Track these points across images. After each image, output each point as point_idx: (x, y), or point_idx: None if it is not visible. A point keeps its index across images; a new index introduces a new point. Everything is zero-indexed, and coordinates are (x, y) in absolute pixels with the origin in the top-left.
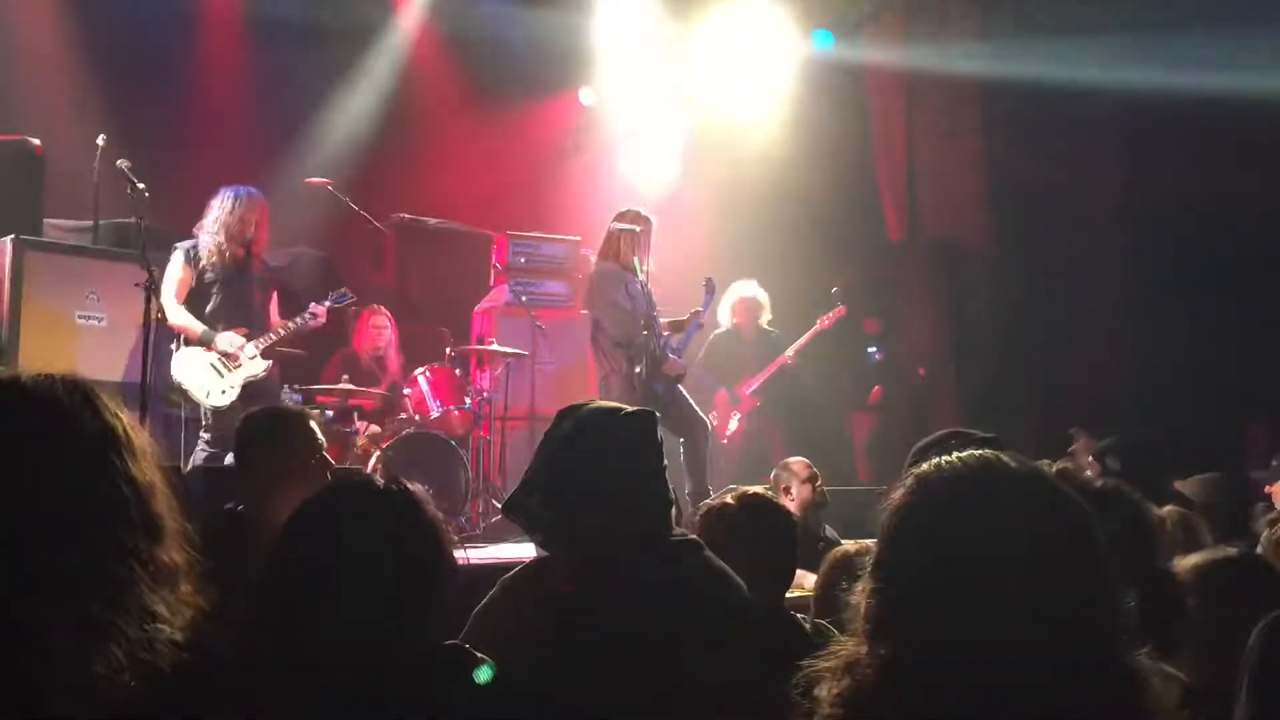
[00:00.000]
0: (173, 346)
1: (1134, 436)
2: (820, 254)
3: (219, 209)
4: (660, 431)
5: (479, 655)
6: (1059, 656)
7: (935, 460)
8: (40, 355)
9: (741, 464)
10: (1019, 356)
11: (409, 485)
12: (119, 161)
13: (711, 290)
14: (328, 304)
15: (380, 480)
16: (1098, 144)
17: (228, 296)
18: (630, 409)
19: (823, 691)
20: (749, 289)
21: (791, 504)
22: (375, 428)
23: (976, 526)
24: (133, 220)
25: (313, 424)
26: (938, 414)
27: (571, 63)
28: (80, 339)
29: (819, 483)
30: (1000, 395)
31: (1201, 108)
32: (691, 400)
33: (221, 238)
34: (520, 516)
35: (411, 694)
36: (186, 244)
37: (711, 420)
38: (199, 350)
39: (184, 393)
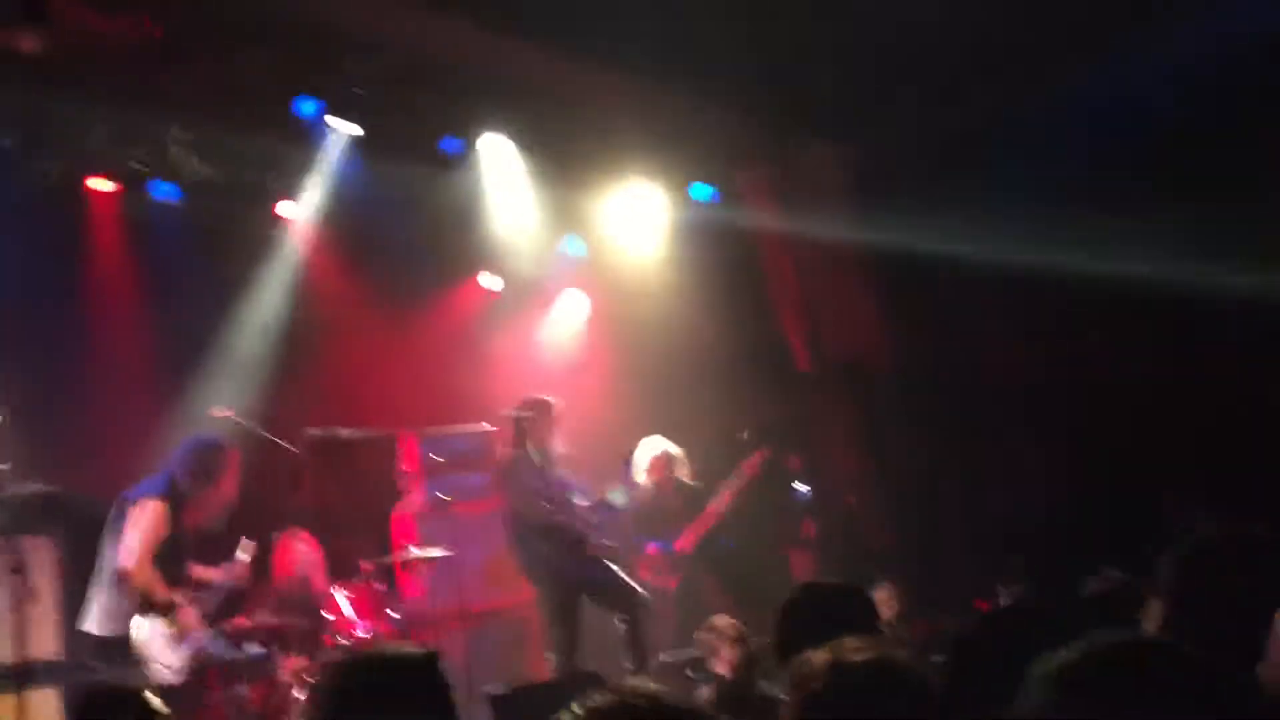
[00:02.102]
0: (123, 602)
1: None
2: (734, 399)
3: (202, 459)
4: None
5: None
6: None
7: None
8: None
9: (688, 626)
10: (941, 472)
11: None
12: None
13: (629, 466)
14: (245, 558)
15: None
16: (981, 301)
17: (179, 554)
18: (411, 652)
19: None
20: (660, 445)
21: (723, 666)
22: (303, 659)
23: None
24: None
25: (147, 699)
26: (873, 540)
27: (469, 250)
28: None
29: (749, 640)
30: (931, 513)
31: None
32: (622, 575)
33: (198, 491)
34: None
35: None
36: (162, 490)
37: (647, 577)
38: (158, 619)
39: (144, 663)
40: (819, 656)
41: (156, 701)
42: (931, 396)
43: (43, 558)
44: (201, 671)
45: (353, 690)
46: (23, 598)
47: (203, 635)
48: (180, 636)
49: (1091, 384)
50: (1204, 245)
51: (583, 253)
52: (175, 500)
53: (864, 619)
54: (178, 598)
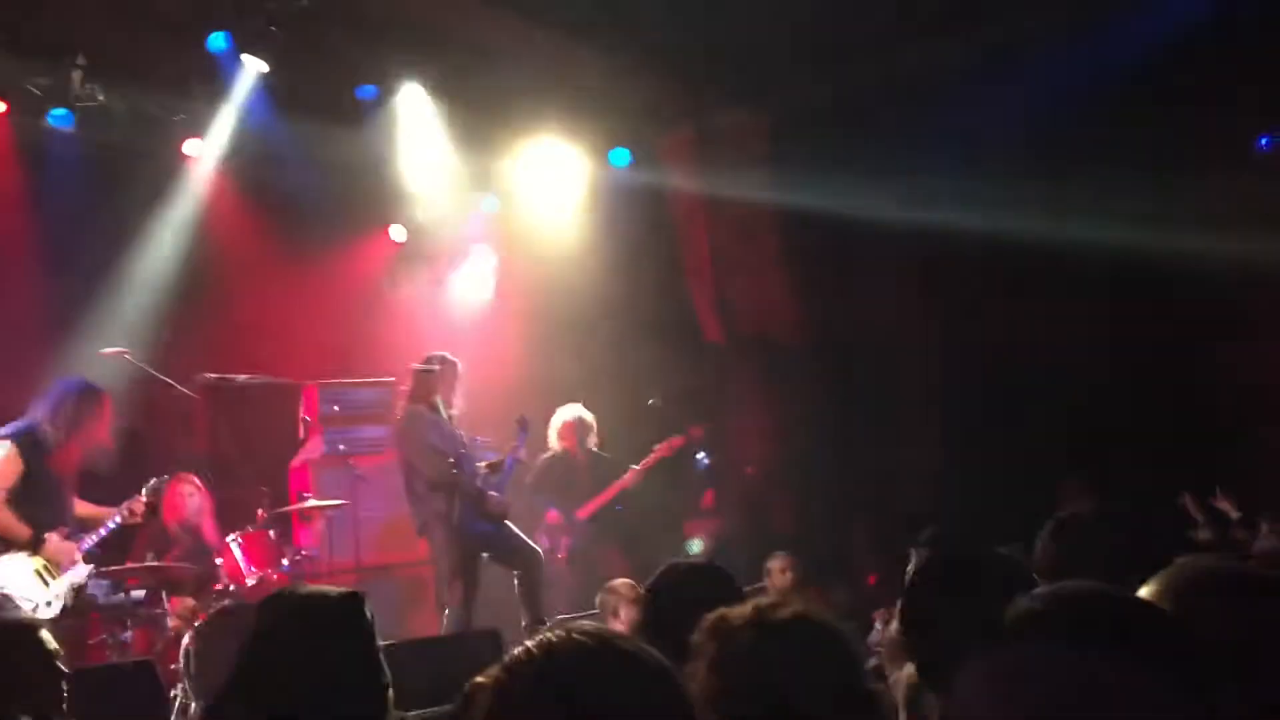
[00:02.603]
0: None
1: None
2: (641, 366)
3: (69, 405)
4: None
5: None
6: None
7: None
8: None
9: (584, 590)
10: (844, 445)
11: None
12: None
13: (525, 428)
14: (143, 499)
15: None
16: (889, 270)
17: (50, 494)
18: (338, 593)
19: None
20: (575, 412)
21: (621, 627)
22: (190, 602)
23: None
24: None
25: (42, 636)
26: (771, 511)
27: (379, 201)
28: None
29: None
30: (830, 485)
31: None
32: (519, 532)
33: (64, 436)
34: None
35: None
36: (14, 432)
37: (542, 542)
38: (22, 556)
39: (8, 601)
40: (738, 613)
41: (50, 639)
42: (840, 370)
43: None
44: (83, 613)
45: (280, 626)
46: None
47: (80, 570)
48: (50, 572)
49: (1002, 355)
50: (1122, 208)
51: (495, 209)
52: (31, 444)
53: (728, 597)
54: (51, 535)
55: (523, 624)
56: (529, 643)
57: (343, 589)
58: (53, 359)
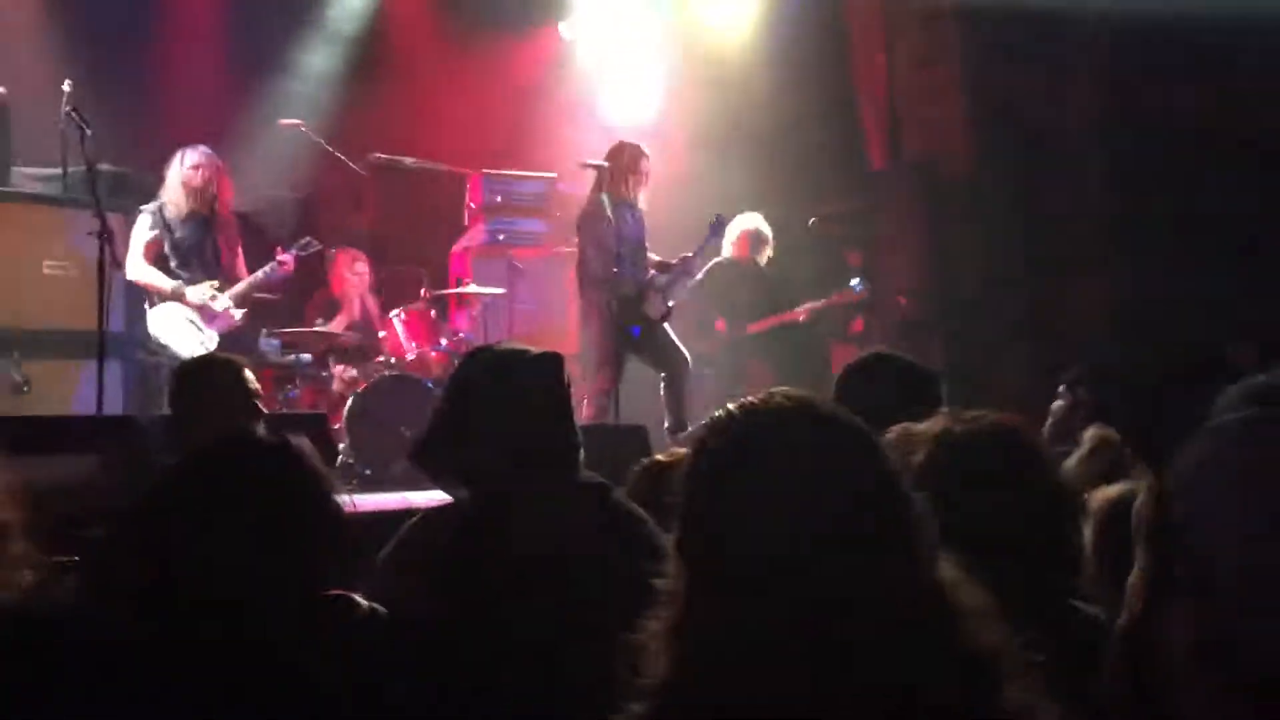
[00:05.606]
0: (146, 305)
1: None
2: (803, 185)
3: (176, 171)
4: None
5: (366, 604)
6: (864, 589)
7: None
8: (8, 305)
9: (728, 397)
10: (1002, 282)
11: (288, 440)
12: (65, 108)
13: (716, 229)
14: (294, 252)
15: (259, 438)
16: (1076, 68)
17: (195, 255)
18: (538, 351)
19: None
20: (753, 222)
21: None
22: (352, 371)
23: (762, 472)
24: (95, 167)
25: (245, 373)
26: (920, 343)
27: None
28: (49, 288)
29: None
30: (983, 321)
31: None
32: (673, 336)
33: (182, 199)
34: (427, 464)
35: (286, 649)
36: (151, 206)
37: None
38: (173, 305)
39: (164, 348)
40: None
41: (252, 378)
42: (1005, 208)
43: (122, 233)
44: (256, 367)
45: (486, 378)
46: (108, 265)
47: (234, 315)
48: (204, 318)
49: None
50: None
51: (667, 13)
52: (155, 209)
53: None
54: (196, 287)
55: (665, 426)
56: (731, 405)
57: (543, 350)
58: (233, 124)
